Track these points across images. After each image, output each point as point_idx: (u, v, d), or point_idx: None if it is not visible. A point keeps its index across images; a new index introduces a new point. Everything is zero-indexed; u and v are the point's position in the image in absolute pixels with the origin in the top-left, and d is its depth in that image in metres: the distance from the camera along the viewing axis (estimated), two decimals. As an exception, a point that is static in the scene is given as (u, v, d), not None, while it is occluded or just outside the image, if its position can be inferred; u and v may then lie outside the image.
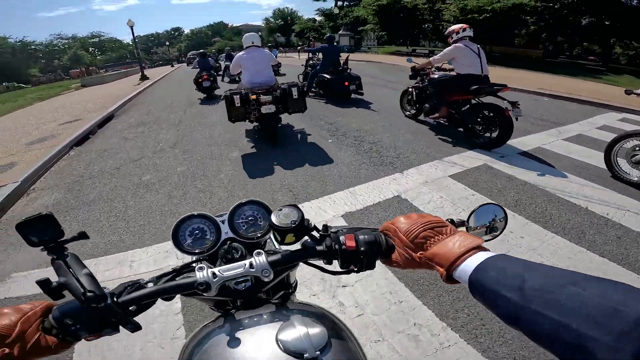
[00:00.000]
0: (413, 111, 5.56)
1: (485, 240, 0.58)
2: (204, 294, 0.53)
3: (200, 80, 8.54)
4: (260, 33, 49.49)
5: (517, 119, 3.90)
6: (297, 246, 0.59)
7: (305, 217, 0.56)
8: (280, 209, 0.57)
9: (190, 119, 6.62)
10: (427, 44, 32.93)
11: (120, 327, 0.50)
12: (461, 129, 4.53)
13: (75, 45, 40.06)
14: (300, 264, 0.62)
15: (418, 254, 0.50)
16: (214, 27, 74.96)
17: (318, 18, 45.89)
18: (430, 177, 3.44)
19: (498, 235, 0.62)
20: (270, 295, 0.66)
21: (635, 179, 3.17)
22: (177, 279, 0.58)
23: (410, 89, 5.48)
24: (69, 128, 6.51)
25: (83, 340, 0.50)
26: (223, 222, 0.74)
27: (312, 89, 7.79)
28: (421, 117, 5.42)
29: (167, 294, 0.54)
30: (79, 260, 0.53)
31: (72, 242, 0.54)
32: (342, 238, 0.56)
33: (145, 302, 0.53)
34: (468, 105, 4.36)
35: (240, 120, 4.42)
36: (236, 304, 0.63)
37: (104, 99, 10.88)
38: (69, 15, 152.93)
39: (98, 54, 45.37)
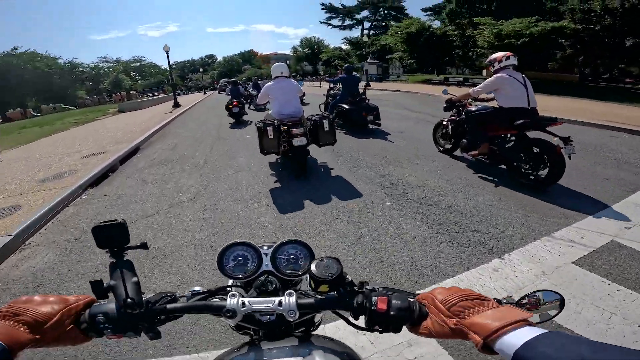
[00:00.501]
0: (448, 146, 5.15)
1: (539, 321, 0.56)
2: (228, 320, 0.56)
3: (230, 106, 9.67)
4: (288, 61, 50.86)
5: (570, 157, 3.46)
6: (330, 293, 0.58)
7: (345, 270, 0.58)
8: (322, 260, 0.59)
9: (217, 159, 5.97)
10: (455, 71, 32.09)
11: (142, 333, 0.54)
12: (504, 166, 4.13)
13: (117, 69, 42.07)
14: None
15: (454, 321, 0.48)
16: (245, 55, 78.45)
17: (344, 47, 46.72)
18: (546, 265, 2.45)
19: (549, 320, 0.59)
20: (292, 329, 0.64)
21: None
22: (209, 299, 0.62)
23: (445, 122, 5.12)
24: (90, 162, 6.10)
25: (105, 337, 0.54)
26: (266, 254, 0.74)
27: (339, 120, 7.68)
28: (457, 152, 4.99)
29: (196, 312, 0.58)
30: (132, 268, 0.58)
31: (134, 249, 0.60)
32: (374, 299, 0.55)
33: (174, 315, 0.57)
34: (513, 142, 3.93)
35: (272, 152, 4.28)
36: (257, 332, 0.64)
37: (136, 127, 10.77)
38: (117, 39, 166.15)
39: (139, 79, 47.94)
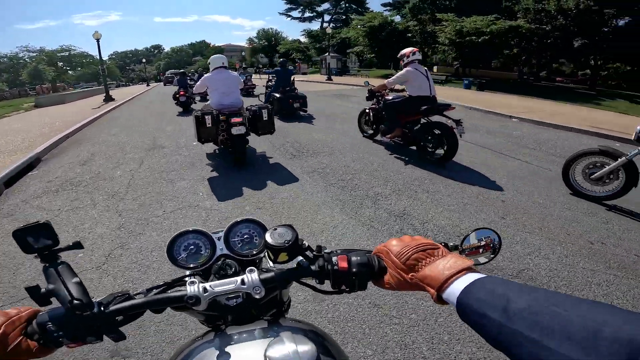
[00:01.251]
0: (371, 132, 5.74)
1: (480, 264, 0.59)
2: (194, 307, 0.52)
3: (178, 95, 10.04)
4: (243, 53, 47.71)
5: (461, 135, 4.23)
6: (291, 265, 0.58)
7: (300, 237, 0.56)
8: (275, 229, 0.57)
9: (147, 183, 4.00)
10: None
11: (105, 336, 0.50)
12: (414, 147, 4.75)
13: (39, 59, 35.78)
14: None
15: (409, 276, 0.49)
16: (196, 46, 72.71)
17: (303, 39, 44.86)
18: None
19: (492, 259, 0.61)
20: (264, 313, 0.63)
21: (595, 194, 3.38)
22: (168, 292, 0.57)
23: (367, 110, 5.65)
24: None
25: (65, 347, 0.49)
26: (219, 238, 0.72)
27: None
28: (378, 137, 5.60)
29: (156, 306, 0.53)
30: (71, 269, 0.53)
31: (66, 251, 0.54)
32: (334, 259, 0.56)
33: (133, 313, 0.52)
34: (419, 125, 4.52)
35: (209, 141, 4.39)
36: (227, 319, 0.60)
37: (47, 128, 8.17)
38: (50, 28, 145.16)
39: (67, 69, 41.40)
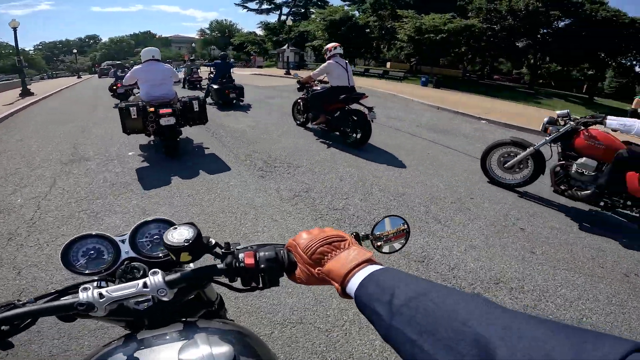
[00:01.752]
0: (302, 119, 6.01)
1: (394, 251, 0.59)
2: (90, 314, 0.48)
3: (114, 87, 9.33)
4: (193, 44, 44.18)
5: (372, 120, 4.65)
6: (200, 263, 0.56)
7: (205, 235, 0.54)
8: (175, 227, 0.53)
9: (58, 217, 2.63)
10: (362, 62, 31.88)
11: None
12: (337, 133, 5.14)
13: None
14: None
15: (316, 270, 0.48)
16: (139, 36, 66.00)
17: (260, 32, 42.68)
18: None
19: (402, 248, 0.61)
20: (189, 314, 0.60)
21: (508, 182, 3.60)
22: (60, 299, 0.54)
23: (298, 100, 6.02)
24: None
25: None
26: (123, 241, 0.67)
27: (210, 98, 8.45)
28: (309, 125, 5.81)
29: (43, 315, 0.49)
30: None
31: None
32: (241, 256, 0.53)
33: (23, 323, 0.50)
34: (339, 112, 4.90)
35: (136, 132, 4.24)
36: (140, 324, 0.57)
37: None
38: None
39: None
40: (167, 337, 0.52)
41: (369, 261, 0.44)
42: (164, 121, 4.00)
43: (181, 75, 13.21)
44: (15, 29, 12.41)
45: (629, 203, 2.78)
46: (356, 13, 27.34)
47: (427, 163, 4.37)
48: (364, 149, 4.76)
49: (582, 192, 2.93)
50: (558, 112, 3.15)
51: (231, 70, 8.92)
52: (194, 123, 4.52)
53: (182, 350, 0.46)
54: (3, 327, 0.48)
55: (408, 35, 20.63)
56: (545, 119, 3.19)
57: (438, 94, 12.70)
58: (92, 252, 0.65)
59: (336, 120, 4.91)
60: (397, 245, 0.60)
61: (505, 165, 3.54)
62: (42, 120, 7.12)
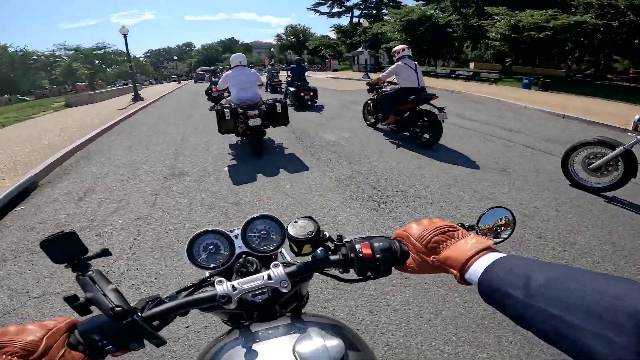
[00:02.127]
0: (372, 120, 6.21)
1: (496, 242, 0.57)
2: (225, 306, 0.51)
3: (210, 91, 10.38)
4: (272, 49, 46.48)
5: (443, 121, 4.57)
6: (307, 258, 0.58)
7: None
8: (296, 221, 0.57)
9: (155, 248, 2.56)
10: (446, 63, 29.47)
11: (146, 342, 0.48)
12: (407, 133, 5.20)
13: (74, 56, 35.53)
14: (316, 274, 0.61)
15: (431, 258, 0.49)
16: (225, 43, 72.63)
17: (332, 35, 43.05)
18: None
19: (508, 237, 0.61)
20: (285, 308, 0.63)
21: (593, 185, 3.25)
22: (195, 293, 0.56)
23: (368, 101, 6.26)
24: None
25: (109, 356, 0.47)
26: (236, 236, 0.71)
27: (287, 100, 8.71)
28: (379, 125, 5.97)
29: (190, 308, 0.52)
30: (104, 276, 0.51)
31: (96, 258, 0.53)
32: (358, 247, 0.55)
33: (168, 317, 0.51)
34: (408, 113, 4.94)
35: (229, 132, 4.63)
36: (251, 316, 0.58)
37: (61, 135, 7.20)
38: (89, 27, 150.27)
39: (104, 67, 41.89)
40: (280, 330, 0.54)
41: (489, 249, 0.45)
42: (252, 122, 4.31)
43: (263, 79, 15.61)
44: (125, 36, 14.31)
45: None
46: (434, 12, 25.44)
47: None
48: (508, 180, 3.68)
49: None
50: None
51: (305, 73, 9.74)
52: (277, 124, 4.76)
53: (297, 343, 0.48)
54: (154, 322, 0.49)
55: (501, 33, 18.32)
56: (637, 117, 2.97)
57: (552, 99, 10.77)
58: (211, 247, 0.69)
59: (406, 120, 4.99)
60: (503, 235, 0.60)
61: (590, 167, 3.23)
62: (147, 126, 7.98)
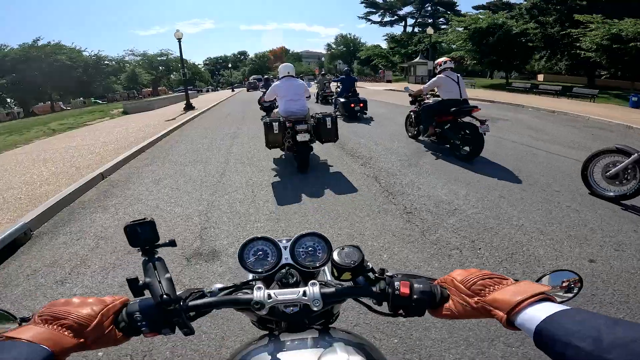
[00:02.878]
0: (415, 132, 5.99)
1: (559, 302, 0.49)
2: (257, 312, 0.53)
3: (262, 101, 9.62)
4: (322, 58, 45.73)
5: (485, 133, 4.40)
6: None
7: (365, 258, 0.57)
8: (343, 248, 0.58)
9: None
10: (510, 75, 25.97)
11: (176, 329, 0.51)
12: (447, 146, 4.99)
13: (140, 62, 36.68)
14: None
15: (475, 300, 0.47)
16: (276, 52, 74.08)
17: (384, 45, 41.10)
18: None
19: (571, 299, 0.53)
20: (314, 322, 0.62)
21: (611, 194, 3.20)
22: (236, 293, 0.59)
23: (410, 113, 6.08)
24: None
25: (142, 336, 0.50)
26: (285, 247, 0.72)
27: (337, 111, 8.89)
28: (420, 137, 5.86)
29: (226, 306, 0.56)
30: (164, 265, 0.55)
31: (163, 247, 0.57)
32: (397, 284, 0.54)
33: (204, 310, 0.54)
34: (449, 125, 4.78)
35: (277, 147, 4.35)
36: (280, 324, 0.61)
37: (100, 150, 6.38)
38: (160, 35, 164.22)
39: (167, 74, 44.06)
40: (306, 343, 0.54)
41: (544, 295, 0.42)
42: (300, 137, 4.02)
43: (312, 89, 15.47)
44: (179, 40, 13.75)
45: None
46: (505, 20, 22.40)
47: None
48: None
49: None
50: None
51: (355, 84, 9.41)
52: (326, 140, 4.42)
53: (323, 357, 0.49)
54: (191, 313, 0.53)
55: (597, 43, 15.13)
56: None
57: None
58: (260, 253, 0.70)
59: (446, 132, 4.87)
60: (565, 296, 0.54)
61: (607, 174, 3.18)
62: (188, 146, 6.85)
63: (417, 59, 27.92)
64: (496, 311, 0.43)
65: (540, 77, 26.26)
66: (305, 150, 4.22)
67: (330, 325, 0.65)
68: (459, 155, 4.69)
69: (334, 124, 4.28)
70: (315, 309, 0.53)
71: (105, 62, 34.76)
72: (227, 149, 6.13)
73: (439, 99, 5.04)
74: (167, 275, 0.53)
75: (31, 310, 1.86)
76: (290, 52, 77.32)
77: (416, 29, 39.48)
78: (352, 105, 8.55)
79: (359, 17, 44.92)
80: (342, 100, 8.86)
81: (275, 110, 4.76)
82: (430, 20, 39.39)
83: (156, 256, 0.56)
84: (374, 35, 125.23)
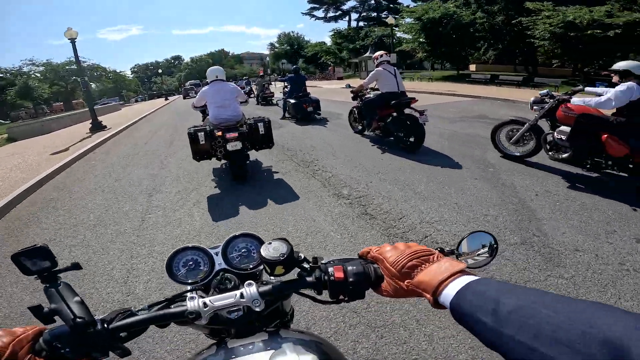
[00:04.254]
0: (360, 127, 5.99)
1: (474, 267, 0.56)
2: (195, 322, 0.51)
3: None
4: (267, 58, 42.21)
5: (424, 123, 4.52)
6: (289, 276, 0.57)
7: (295, 249, 0.55)
8: (270, 243, 0.56)
9: None
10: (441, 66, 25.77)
11: (110, 352, 0.49)
12: (392, 138, 5.04)
13: (45, 72, 29.81)
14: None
15: (405, 283, 0.47)
16: (215, 55, 68.18)
17: (328, 42, 39.29)
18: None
19: (489, 262, 0.57)
20: (267, 324, 0.60)
21: (518, 154, 4.02)
22: (169, 307, 0.56)
23: (353, 109, 6.08)
24: None
25: None
26: (217, 253, 0.70)
27: (287, 113, 8.51)
28: (366, 132, 5.78)
29: (158, 322, 0.52)
30: (71, 289, 0.53)
31: (65, 272, 0.54)
32: (330, 269, 0.54)
33: (137, 329, 0.52)
34: (391, 118, 4.81)
35: (206, 158, 3.96)
36: (230, 332, 0.59)
37: None
38: (77, 43, 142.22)
39: (78, 84, 36.49)
40: (256, 346, 0.53)
41: (463, 272, 0.43)
42: (230, 146, 3.72)
43: (253, 90, 13.42)
44: (73, 41, 9.73)
45: (609, 163, 3.08)
46: (456, 10, 21.80)
47: None
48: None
49: (564, 155, 3.37)
50: (540, 92, 3.62)
51: (305, 83, 8.63)
52: (260, 147, 4.10)
53: (272, 359, 0.48)
54: (122, 334, 0.50)
55: (551, 31, 14.64)
56: (532, 99, 3.67)
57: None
58: (191, 263, 0.68)
59: (389, 125, 4.86)
60: (482, 261, 0.57)
61: (511, 141, 3.98)
62: (68, 213, 3.71)
63: (367, 54, 26.38)
64: (424, 293, 0.44)
65: (472, 67, 25.96)
66: (240, 159, 3.88)
67: (282, 327, 0.62)
68: (404, 146, 4.74)
69: (267, 129, 4.02)
70: (257, 309, 0.51)
71: (-1, 75, 27.34)
72: (137, 226, 3.17)
73: (379, 92, 5.06)
74: (77, 298, 0.51)
75: None
76: (231, 54, 72.21)
77: (361, 24, 38.29)
78: (305, 105, 7.77)
79: (302, 13, 43.06)
80: (292, 101, 8.01)
81: (207, 117, 4.35)
82: (374, 14, 38.51)
83: (59, 282, 0.52)
84: (315, 33, 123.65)
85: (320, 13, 41.55)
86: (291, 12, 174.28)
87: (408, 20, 22.21)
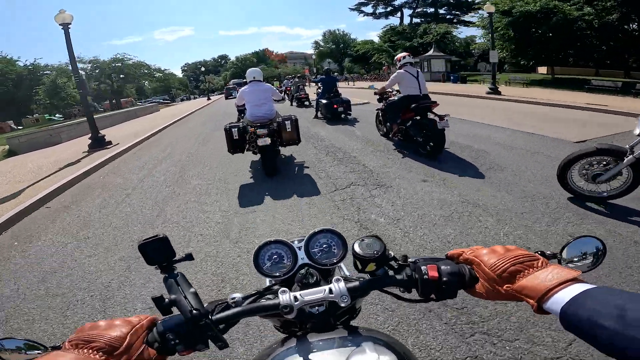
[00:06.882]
0: (385, 130, 5.61)
1: (583, 272, 0.50)
2: (286, 316, 0.50)
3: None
4: (313, 56, 38.15)
5: (444, 129, 4.13)
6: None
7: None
8: (363, 239, 0.56)
9: None
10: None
11: (211, 344, 0.48)
12: (419, 140, 4.64)
13: (62, 71, 26.91)
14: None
15: (505, 287, 0.45)
16: (259, 54, 66.43)
17: (376, 40, 34.91)
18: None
19: (593, 269, 0.52)
20: (337, 320, 0.59)
21: (605, 194, 2.85)
22: (260, 300, 0.56)
23: (378, 111, 5.83)
24: None
25: (177, 355, 0.47)
26: (299, 248, 0.68)
27: (319, 113, 8.44)
28: (390, 135, 5.35)
29: (254, 314, 0.53)
30: (186, 280, 0.53)
31: (181, 262, 0.54)
32: (424, 268, 0.51)
33: (234, 321, 0.51)
34: (410, 122, 4.54)
35: (239, 152, 4.31)
36: (304, 326, 0.56)
37: None
38: (134, 44, 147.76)
39: (123, 83, 35.51)
40: (335, 342, 0.52)
41: (576, 280, 0.41)
42: (260, 141, 3.93)
43: (290, 89, 13.04)
44: (66, 27, 6.91)
45: None
46: (553, 4, 16.63)
47: None
48: None
49: None
50: None
51: (337, 84, 8.71)
52: (287, 143, 4.29)
53: (352, 357, 0.47)
54: (220, 326, 0.49)
55: None
56: None
57: None
58: (275, 256, 0.67)
59: (409, 129, 4.60)
60: (586, 267, 0.52)
61: (597, 179, 2.78)
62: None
63: (431, 52, 21.89)
64: (526, 298, 0.42)
65: (543, 70, 20.50)
66: (270, 154, 4.11)
67: (351, 323, 0.61)
68: (424, 151, 4.43)
69: (294, 127, 4.17)
70: (343, 305, 0.50)
71: (46, 72, 26.66)
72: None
73: (402, 94, 4.81)
74: (192, 289, 0.51)
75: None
76: (275, 53, 70.29)
77: (415, 20, 33.45)
78: (335, 106, 7.81)
79: (350, 8, 38.55)
80: (323, 101, 8.10)
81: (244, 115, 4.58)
82: (431, 10, 33.47)
83: (176, 272, 0.53)
84: (358, 34, 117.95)
85: (369, 9, 37.30)
86: (333, 13, 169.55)
87: (484, 13, 17.48)
